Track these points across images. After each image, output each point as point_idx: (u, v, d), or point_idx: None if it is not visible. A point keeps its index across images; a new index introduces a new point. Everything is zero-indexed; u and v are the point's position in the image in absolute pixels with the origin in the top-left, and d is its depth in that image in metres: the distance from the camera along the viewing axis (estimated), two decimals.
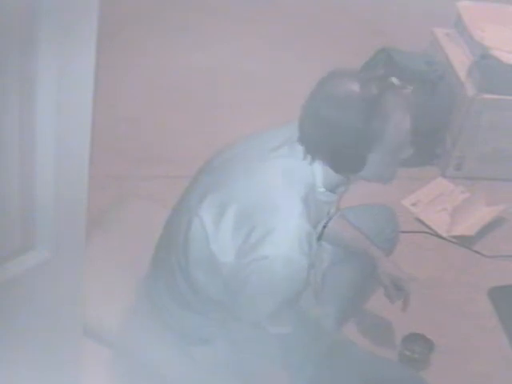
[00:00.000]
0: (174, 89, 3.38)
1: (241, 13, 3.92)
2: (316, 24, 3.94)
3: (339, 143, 1.79)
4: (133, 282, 2.20)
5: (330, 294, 2.31)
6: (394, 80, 1.82)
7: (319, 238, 2.02)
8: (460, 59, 3.23)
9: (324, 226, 2.01)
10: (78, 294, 1.57)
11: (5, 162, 1.31)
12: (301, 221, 1.83)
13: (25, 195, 1.37)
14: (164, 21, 3.80)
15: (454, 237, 2.93)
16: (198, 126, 3.23)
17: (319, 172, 1.86)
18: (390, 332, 2.49)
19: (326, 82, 1.83)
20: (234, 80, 3.46)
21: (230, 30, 3.75)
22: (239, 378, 2.06)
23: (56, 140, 1.33)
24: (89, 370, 1.84)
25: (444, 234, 2.95)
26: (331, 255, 2.31)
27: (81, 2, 1.24)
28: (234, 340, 2.04)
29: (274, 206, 1.84)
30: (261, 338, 2.05)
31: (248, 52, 3.66)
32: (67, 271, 1.51)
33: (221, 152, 2.04)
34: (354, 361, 2.14)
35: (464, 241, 2.91)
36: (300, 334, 2.12)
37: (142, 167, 3.01)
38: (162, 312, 2.07)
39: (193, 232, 1.93)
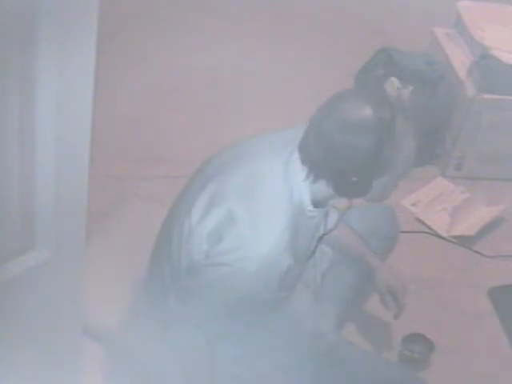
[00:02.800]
0: (174, 89, 3.38)
1: (241, 13, 3.92)
2: (316, 24, 3.94)
3: (347, 169, 1.76)
4: (132, 282, 2.20)
5: (330, 294, 2.30)
6: (394, 80, 1.82)
7: (316, 247, 2.01)
8: (460, 59, 3.23)
9: (321, 237, 2.00)
10: (78, 294, 1.57)
11: (5, 162, 1.31)
12: (276, 251, 1.81)
13: (25, 195, 1.37)
14: (164, 21, 3.80)
15: (454, 237, 2.93)
16: (198, 126, 3.23)
17: (307, 190, 1.84)
18: (390, 332, 2.49)
19: (336, 106, 1.79)
20: (234, 80, 3.46)
21: (229, 30, 3.75)
22: (238, 377, 2.06)
23: (56, 140, 1.33)
24: (88, 369, 1.84)
25: (444, 234, 2.95)
26: (331, 256, 2.31)
27: (81, 2, 1.24)
28: (232, 340, 2.04)
29: (255, 227, 1.82)
30: (261, 337, 2.06)
31: (248, 52, 3.66)
32: (67, 271, 1.50)
33: (218, 154, 2.03)
34: (353, 361, 2.14)
35: (464, 241, 2.91)
36: (300, 334, 2.12)
37: (142, 167, 3.01)
38: (161, 312, 2.07)
39: (185, 233, 1.93)
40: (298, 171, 1.83)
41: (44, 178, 1.36)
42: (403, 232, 2.61)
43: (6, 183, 1.33)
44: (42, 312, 1.50)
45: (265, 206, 1.83)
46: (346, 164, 1.76)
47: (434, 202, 3.08)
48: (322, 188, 1.83)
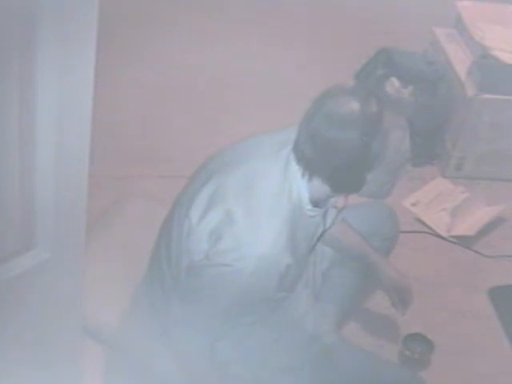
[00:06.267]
0: (174, 89, 3.38)
1: (241, 13, 3.92)
2: (316, 24, 3.95)
3: (338, 164, 1.76)
4: (132, 282, 2.20)
5: (330, 294, 2.31)
6: (394, 80, 1.81)
7: (314, 246, 2.01)
8: (460, 59, 3.23)
9: (320, 236, 2.00)
10: (77, 294, 1.57)
11: (5, 162, 1.31)
12: (275, 250, 1.81)
13: (25, 195, 1.37)
14: (164, 21, 3.80)
15: (454, 237, 2.93)
16: (198, 126, 3.23)
17: (305, 189, 1.84)
18: (390, 332, 2.49)
19: (324, 102, 1.79)
20: (235, 80, 3.46)
21: (230, 31, 3.75)
22: (238, 377, 2.06)
23: (56, 140, 1.33)
24: (88, 369, 1.84)
25: (444, 234, 2.95)
26: (331, 256, 2.31)
27: (81, 2, 1.24)
28: (233, 340, 2.04)
29: (253, 226, 1.82)
30: (261, 337, 2.06)
31: (249, 52, 3.66)
32: (67, 271, 1.51)
33: (219, 154, 2.03)
34: (353, 361, 2.14)
35: (464, 241, 2.91)
36: (299, 333, 2.12)
37: (142, 167, 3.01)
38: (161, 312, 2.07)
39: (185, 233, 1.93)
40: (297, 170, 1.83)
41: (44, 178, 1.36)
42: (403, 232, 2.61)
43: (5, 183, 1.33)
44: (42, 312, 1.50)
45: (263, 205, 1.83)
46: (336, 159, 1.76)
47: (434, 201, 3.08)
48: (318, 186, 1.83)
